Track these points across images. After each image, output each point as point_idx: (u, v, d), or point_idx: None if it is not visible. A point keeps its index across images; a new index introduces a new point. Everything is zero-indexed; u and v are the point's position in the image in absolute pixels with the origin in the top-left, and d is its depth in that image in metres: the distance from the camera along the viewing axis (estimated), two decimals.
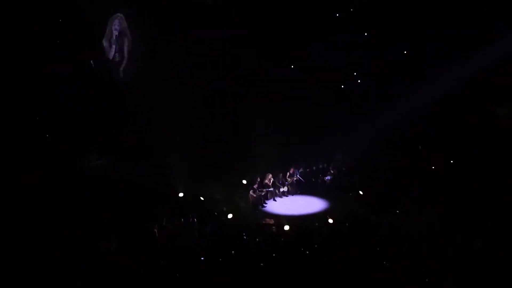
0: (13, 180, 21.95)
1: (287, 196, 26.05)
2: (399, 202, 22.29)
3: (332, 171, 27.31)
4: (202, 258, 17.29)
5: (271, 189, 25.43)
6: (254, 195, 24.44)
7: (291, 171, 26.47)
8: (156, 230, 19.22)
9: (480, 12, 26.56)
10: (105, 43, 28.70)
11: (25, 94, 24.75)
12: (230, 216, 22.41)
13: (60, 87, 26.76)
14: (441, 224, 19.22)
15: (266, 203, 24.88)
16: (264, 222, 22.87)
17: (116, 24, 28.69)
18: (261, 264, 16.49)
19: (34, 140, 25.04)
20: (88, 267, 16.58)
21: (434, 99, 27.51)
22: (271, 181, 25.52)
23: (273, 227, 22.11)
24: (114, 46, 29.01)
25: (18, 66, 24.29)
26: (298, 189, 26.44)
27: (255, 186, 24.63)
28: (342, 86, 31.89)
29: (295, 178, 26.45)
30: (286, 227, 21.06)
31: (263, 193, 24.87)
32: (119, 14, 28.59)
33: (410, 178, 24.87)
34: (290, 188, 26.15)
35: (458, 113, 27.48)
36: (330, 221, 21.53)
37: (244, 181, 26.38)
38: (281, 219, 22.61)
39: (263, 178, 25.29)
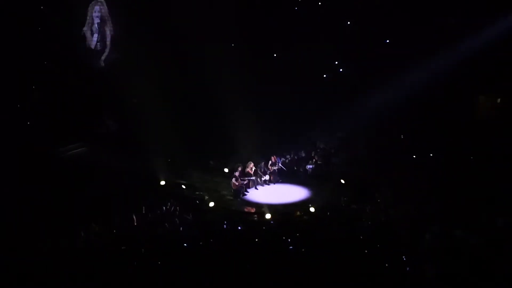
0: None
1: (269, 184, 26.03)
2: (380, 190, 22.34)
3: (313, 160, 27.28)
4: (185, 245, 17.23)
5: (253, 177, 25.39)
6: (236, 184, 24.40)
7: (273, 160, 26.46)
8: (134, 218, 19.09)
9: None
10: (86, 31, 28.43)
11: (4, 82, 24.54)
12: (211, 204, 22.39)
13: (41, 75, 26.59)
14: (421, 212, 19.28)
15: (247, 192, 24.82)
16: (245, 210, 22.87)
17: (97, 10, 28.42)
18: (243, 253, 16.44)
19: (14, 128, 24.88)
20: (69, 255, 16.48)
21: (416, 87, 27.53)
22: (253, 169, 25.48)
23: (255, 215, 22.15)
24: (95, 35, 28.77)
25: None
26: (280, 177, 26.42)
27: (237, 175, 24.58)
28: (325, 76, 31.93)
29: (277, 167, 26.44)
30: (268, 216, 21.11)
31: (245, 182, 24.82)
32: None
33: (392, 167, 24.90)
34: (272, 177, 26.13)
35: (440, 101, 27.54)
36: (312, 209, 21.57)
37: (226, 170, 26.40)
38: (262, 207, 22.57)
39: (245, 167, 25.24)
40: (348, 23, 30.96)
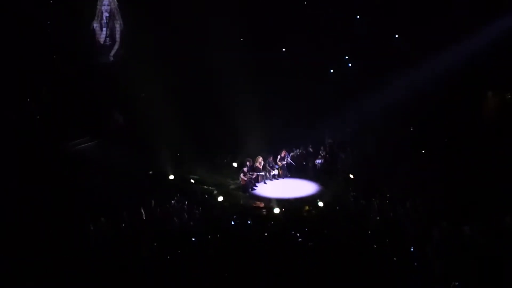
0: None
1: (277, 179, 26.02)
2: (389, 186, 22.32)
3: (322, 155, 27.26)
4: (193, 239, 17.28)
5: (262, 172, 25.37)
6: (245, 178, 24.40)
7: (282, 155, 26.43)
8: (143, 212, 19.13)
9: None
10: (95, 26, 28.39)
11: (13, 77, 24.62)
12: (220, 199, 22.43)
13: (50, 70, 26.64)
14: (429, 208, 19.26)
15: (256, 186, 24.83)
16: (254, 205, 22.86)
17: (106, 4, 28.34)
18: (251, 247, 16.49)
19: (23, 123, 24.98)
20: (78, 249, 16.56)
21: (424, 83, 27.43)
22: (262, 164, 25.46)
23: (263, 210, 22.15)
24: (104, 29, 28.71)
25: (6, 48, 24.17)
26: (289, 172, 26.43)
27: (246, 169, 24.57)
28: (331, 70, 31.90)
29: (286, 162, 26.42)
30: (276, 210, 21.12)
31: (253, 176, 24.82)
32: None
33: (400, 162, 24.85)
34: (281, 172, 26.12)
35: (448, 97, 27.41)
36: (320, 204, 21.58)
37: (235, 164, 26.40)
38: (271, 202, 22.56)
39: (254, 161, 25.22)
40: (358, 17, 30.86)
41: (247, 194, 24.13)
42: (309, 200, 23.01)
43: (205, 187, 24.32)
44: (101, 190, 21.38)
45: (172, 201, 20.51)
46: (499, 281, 14.35)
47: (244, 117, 26.96)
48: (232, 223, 19.19)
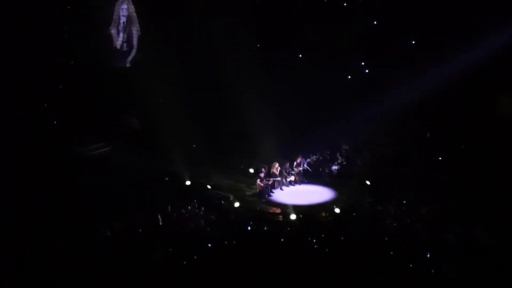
0: (18, 166, 22.03)
1: (294, 185, 25.98)
2: (405, 191, 22.22)
3: (338, 161, 27.20)
4: (209, 245, 17.25)
5: (278, 178, 25.34)
6: (261, 184, 24.40)
7: (298, 160, 26.39)
8: (159, 218, 19.15)
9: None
10: (112, 31, 28.47)
11: (30, 82, 24.77)
12: (236, 204, 22.43)
13: (66, 74, 26.77)
14: (443, 213, 19.16)
15: (273, 192, 24.78)
16: (270, 211, 22.82)
17: (124, 9, 28.40)
18: (267, 252, 16.44)
19: (40, 127, 25.12)
20: (92, 252, 16.58)
21: (439, 86, 27.27)
22: (278, 170, 25.43)
23: (280, 216, 22.11)
24: (121, 34, 28.79)
25: (25, 52, 24.32)
26: (305, 178, 26.37)
27: (262, 175, 24.56)
28: (349, 77, 31.83)
29: (302, 168, 26.37)
30: (293, 216, 21.07)
31: (270, 182, 24.80)
32: None
33: (417, 168, 24.74)
34: (297, 177, 26.07)
35: (464, 100, 27.24)
36: (337, 210, 21.52)
37: (251, 170, 26.39)
38: (287, 208, 22.53)
39: (270, 167, 25.19)
40: (374, 23, 30.84)
41: (264, 200, 24.10)
42: (326, 206, 22.95)
43: (221, 192, 24.30)
44: (117, 195, 21.47)
45: (189, 206, 20.53)
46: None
47: (260, 122, 26.97)
48: (248, 228, 19.15)
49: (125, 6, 28.72)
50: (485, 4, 26.44)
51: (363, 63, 32.11)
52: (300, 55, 31.92)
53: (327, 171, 26.97)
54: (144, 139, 27.60)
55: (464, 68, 26.77)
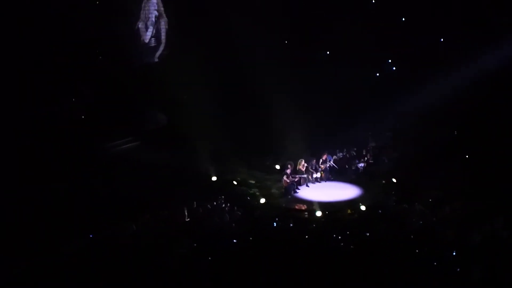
0: (46, 160, 22.32)
1: (320, 182, 26.02)
2: (431, 190, 22.11)
3: (365, 158, 27.16)
4: (234, 241, 17.31)
5: (304, 175, 25.36)
6: (288, 181, 24.44)
7: (324, 157, 26.41)
8: (186, 213, 19.28)
9: None
10: (140, 26, 28.56)
11: (58, 77, 25.02)
12: (262, 201, 22.49)
13: (94, 70, 26.97)
14: (469, 212, 19.04)
15: (299, 189, 24.81)
16: (296, 207, 22.86)
17: (154, 4, 28.49)
18: (292, 250, 16.47)
19: (67, 122, 25.38)
20: (120, 246, 16.76)
21: (466, 85, 27.09)
22: (304, 167, 25.45)
23: (305, 213, 22.12)
24: (151, 29, 28.86)
25: (54, 46, 24.56)
26: (331, 175, 26.37)
27: (288, 172, 24.60)
28: (378, 74, 31.73)
29: (328, 165, 26.37)
30: (318, 213, 21.08)
31: (296, 179, 24.83)
32: None
33: (443, 167, 24.59)
34: (323, 174, 26.08)
35: (490, 99, 26.99)
36: (363, 208, 21.49)
37: (278, 167, 26.45)
38: (313, 205, 22.55)
39: (296, 164, 25.22)
40: (403, 19, 30.70)
41: (289, 196, 24.14)
42: (351, 203, 22.91)
43: (247, 188, 24.39)
44: (143, 190, 21.66)
45: (214, 202, 20.64)
46: None
47: (287, 119, 27.01)
48: (274, 225, 19.19)
49: (154, 1, 28.82)
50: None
51: (390, 61, 31.97)
52: (328, 52, 31.86)
53: (353, 168, 26.95)
54: (171, 135, 27.73)
55: (490, 68, 26.59)
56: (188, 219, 19.21)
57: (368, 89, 30.24)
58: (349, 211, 21.70)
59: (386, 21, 29.97)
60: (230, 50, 28.53)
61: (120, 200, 20.58)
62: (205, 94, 26.84)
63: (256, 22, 27.19)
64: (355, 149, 28.06)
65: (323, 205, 22.32)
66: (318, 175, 25.98)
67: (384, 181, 24.83)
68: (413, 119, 28.25)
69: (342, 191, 24.83)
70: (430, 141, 27.27)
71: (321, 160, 26.35)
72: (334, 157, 27.08)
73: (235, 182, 24.81)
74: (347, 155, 27.73)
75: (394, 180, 24.51)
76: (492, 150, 25.14)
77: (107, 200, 20.70)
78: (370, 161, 27.13)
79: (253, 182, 25.17)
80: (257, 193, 23.74)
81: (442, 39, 30.06)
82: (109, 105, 26.98)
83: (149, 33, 29.17)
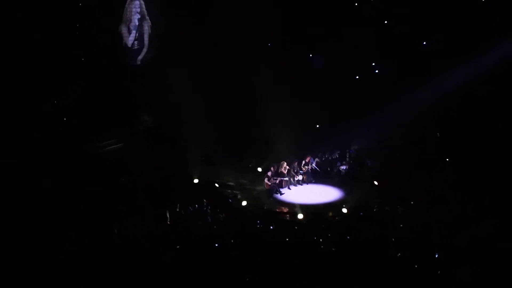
0: (33, 162, 22.26)
1: (302, 184, 25.96)
2: (414, 192, 22.19)
3: (347, 161, 27.21)
4: (216, 245, 17.30)
5: (286, 177, 25.35)
6: (269, 183, 24.43)
7: (306, 160, 26.40)
8: (168, 215, 19.25)
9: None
10: (123, 29, 28.47)
11: (42, 78, 24.92)
12: (244, 203, 22.49)
13: (78, 71, 26.90)
14: (454, 215, 19.15)
15: (280, 191, 24.80)
16: (278, 210, 22.88)
17: (137, 6, 28.36)
18: (274, 251, 16.49)
19: (52, 124, 25.29)
20: (102, 249, 16.71)
21: (453, 89, 27.21)
22: (286, 169, 25.43)
23: (287, 215, 22.17)
24: (133, 32, 28.78)
25: (37, 49, 24.48)
26: (313, 178, 26.35)
27: (270, 174, 24.60)
28: (357, 77, 31.83)
29: (310, 167, 26.37)
30: (300, 216, 21.11)
31: (278, 181, 24.82)
32: None
33: (425, 169, 24.71)
34: (305, 177, 26.07)
35: (476, 104, 27.14)
36: (344, 210, 21.54)
37: (260, 169, 26.43)
38: (295, 207, 22.57)
39: (278, 166, 25.21)
40: (385, 22, 30.80)
41: (271, 199, 24.12)
42: (333, 206, 22.95)
43: (229, 191, 24.38)
44: (127, 191, 21.60)
45: (196, 205, 20.61)
46: None
47: (270, 122, 27.01)
48: (256, 227, 19.20)
49: (137, 3, 28.70)
50: (501, 7, 26.41)
51: (374, 64, 32.07)
52: (311, 55, 31.96)
53: (335, 171, 26.97)
54: (156, 137, 27.71)
55: (479, 71, 26.74)
56: (170, 222, 19.19)
57: (355, 91, 30.27)
58: (330, 214, 21.75)
59: (372, 25, 30.08)
60: (217, 51, 28.53)
61: (103, 202, 20.52)
62: (191, 96, 26.78)
63: (245, 23, 27.18)
64: (338, 152, 28.04)
65: (305, 208, 22.33)
66: (300, 177, 25.95)
67: (366, 184, 24.85)
68: (398, 122, 28.26)
69: (324, 194, 24.81)
70: (414, 145, 27.35)
71: (303, 163, 26.34)
72: (317, 159, 27.06)
73: (217, 185, 24.77)
74: (330, 158, 27.74)
75: (376, 182, 24.54)
76: (477, 153, 25.28)
77: (90, 201, 20.61)
78: (353, 164, 27.12)
79: (234, 184, 25.08)
80: (239, 196, 23.70)
81: (425, 43, 30.09)
82: (93, 105, 26.93)
83: (132, 37, 29.08)
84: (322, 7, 29.63)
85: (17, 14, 24.20)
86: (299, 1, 29.65)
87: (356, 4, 30.77)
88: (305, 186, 25.93)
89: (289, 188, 25.33)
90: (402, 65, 29.18)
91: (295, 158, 26.48)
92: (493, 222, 17.82)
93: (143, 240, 17.59)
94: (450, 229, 17.77)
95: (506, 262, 15.16)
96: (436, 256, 16.00)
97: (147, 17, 29.20)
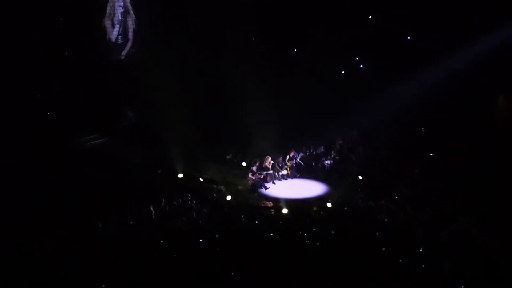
0: (13, 158, 22.11)
1: (286, 179, 25.98)
2: (398, 187, 22.25)
3: (332, 155, 27.22)
4: (200, 240, 17.27)
5: (271, 172, 25.34)
6: (253, 178, 24.42)
7: (291, 155, 26.42)
8: (152, 210, 19.21)
9: None
10: (107, 23, 28.29)
11: (24, 73, 24.75)
12: (229, 198, 22.46)
13: (61, 66, 26.74)
14: (438, 210, 19.22)
15: (265, 186, 24.79)
16: (262, 204, 22.86)
17: (120, 0, 28.20)
18: (258, 246, 16.48)
19: (34, 119, 25.14)
20: (85, 245, 16.63)
21: (435, 85, 27.30)
22: (271, 164, 25.44)
23: (272, 210, 22.18)
24: (117, 27, 28.62)
25: (19, 44, 24.32)
26: (298, 172, 26.38)
27: (255, 169, 24.60)
28: (343, 72, 31.89)
29: (295, 162, 26.39)
30: (285, 210, 21.11)
31: (262, 176, 24.82)
32: None
33: (410, 164, 24.80)
34: (289, 172, 26.08)
35: (459, 100, 27.27)
36: (329, 205, 21.56)
37: (244, 164, 26.43)
38: (279, 202, 22.56)
39: (263, 161, 25.21)
40: (370, 17, 30.89)
41: (256, 193, 24.12)
42: (318, 200, 22.98)
43: (214, 186, 24.35)
44: (110, 187, 21.52)
45: (180, 199, 20.58)
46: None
47: (255, 116, 26.99)
48: (240, 222, 19.19)
49: None
50: (484, 4, 26.53)
51: (357, 59, 32.16)
52: (295, 50, 31.98)
53: (320, 165, 26.98)
54: (139, 132, 27.63)
55: (462, 67, 26.84)
56: (155, 217, 19.14)
57: (338, 87, 30.29)
58: (315, 208, 21.76)
59: (355, 20, 30.13)
60: (200, 47, 28.48)
61: (87, 198, 20.44)
62: (174, 91, 26.72)
63: (227, 19, 27.14)
64: (322, 146, 28.05)
65: (290, 203, 22.33)
66: (285, 172, 25.97)
67: (350, 179, 24.88)
68: (383, 117, 28.31)
69: (309, 189, 24.82)
70: (399, 140, 27.42)
71: (288, 157, 26.35)
72: (301, 154, 27.08)
73: (201, 179, 24.73)
74: (314, 153, 27.74)
75: (360, 177, 24.58)
76: (460, 148, 25.40)
77: (75, 196, 20.52)
78: (337, 159, 27.13)
79: (218, 179, 25.04)
80: (224, 190, 23.68)
81: (409, 37, 30.19)
82: (76, 101, 26.80)
83: (115, 31, 28.92)
84: (304, 2, 29.70)
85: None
86: None
87: None
88: (289, 180, 25.94)
89: (273, 183, 25.33)
90: (386, 61, 29.24)
91: (279, 153, 26.46)
92: (474, 217, 17.89)
93: (127, 236, 17.54)
94: (433, 224, 17.81)
95: (487, 256, 15.25)
96: (421, 250, 16.03)
97: (131, 12, 29.03)
